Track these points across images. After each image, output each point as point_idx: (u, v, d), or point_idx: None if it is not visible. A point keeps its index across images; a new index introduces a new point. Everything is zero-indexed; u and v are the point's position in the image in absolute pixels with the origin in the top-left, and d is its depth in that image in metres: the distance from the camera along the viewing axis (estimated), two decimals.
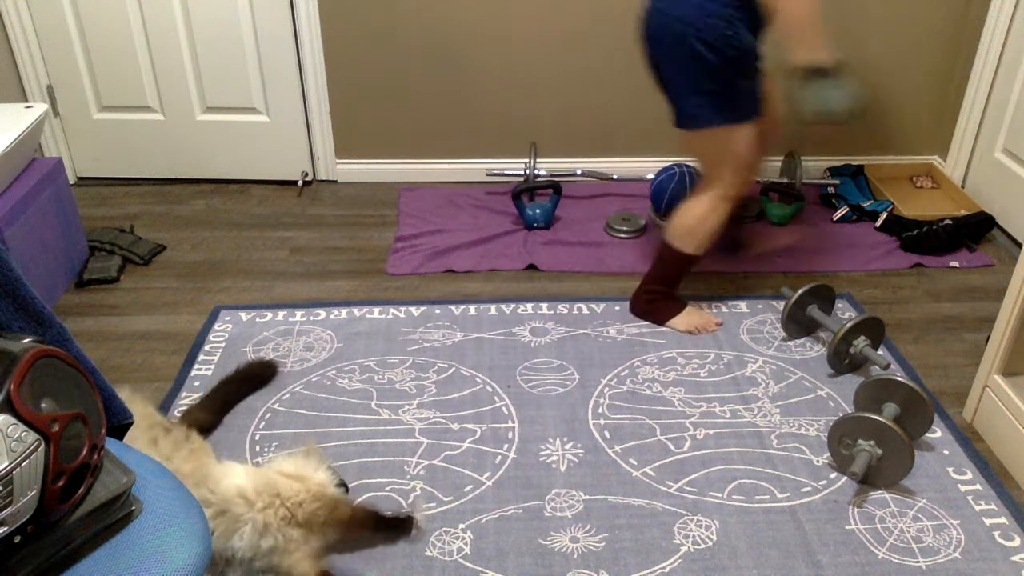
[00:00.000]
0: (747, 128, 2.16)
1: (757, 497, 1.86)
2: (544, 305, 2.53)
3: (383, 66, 3.10)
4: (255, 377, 2.18)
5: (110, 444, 1.21)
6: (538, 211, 2.92)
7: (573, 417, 2.09)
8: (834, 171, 3.23)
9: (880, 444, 1.84)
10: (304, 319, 2.46)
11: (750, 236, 2.79)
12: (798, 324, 2.38)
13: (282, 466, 1.70)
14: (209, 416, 2.02)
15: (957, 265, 2.76)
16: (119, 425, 1.34)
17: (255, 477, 1.64)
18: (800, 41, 1.98)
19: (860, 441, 1.86)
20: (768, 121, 2.29)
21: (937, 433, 2.05)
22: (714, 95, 2.09)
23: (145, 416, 1.74)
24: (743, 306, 2.53)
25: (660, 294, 2.41)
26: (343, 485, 1.79)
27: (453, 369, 2.25)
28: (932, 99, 3.21)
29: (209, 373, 2.23)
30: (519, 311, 2.50)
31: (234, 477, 1.63)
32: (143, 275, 2.70)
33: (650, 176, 3.08)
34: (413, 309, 2.50)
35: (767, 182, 3.05)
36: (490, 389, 2.18)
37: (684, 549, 1.73)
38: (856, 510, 1.83)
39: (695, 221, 2.27)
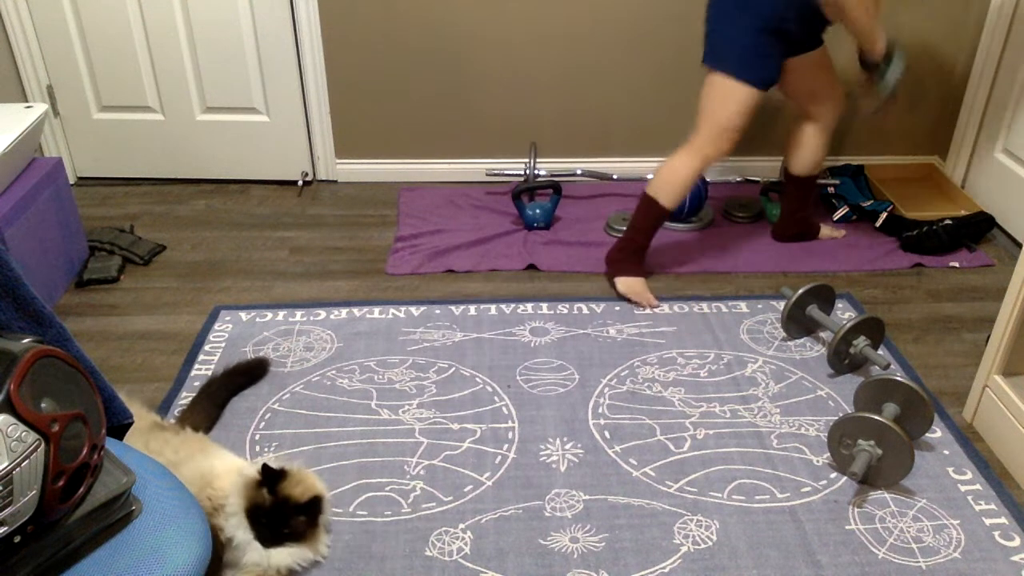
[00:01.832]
0: (752, 93, 2.34)
1: (757, 497, 1.86)
2: (544, 305, 2.53)
3: (383, 66, 3.10)
4: (242, 373, 2.18)
5: (110, 444, 1.21)
6: (538, 211, 2.92)
7: (573, 417, 2.09)
8: (834, 171, 3.23)
9: (880, 444, 1.84)
10: (304, 319, 2.46)
11: (811, 223, 2.88)
12: (798, 324, 2.38)
13: (230, 465, 1.70)
14: (199, 418, 2.02)
15: (957, 265, 2.76)
16: (119, 425, 1.34)
17: (222, 464, 1.68)
18: (870, 39, 2.34)
19: (860, 441, 1.86)
20: (827, 96, 2.58)
21: (937, 433, 2.05)
22: (744, 48, 2.31)
23: (141, 417, 1.76)
24: (743, 306, 2.53)
25: (632, 242, 2.55)
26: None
27: (453, 369, 2.25)
28: (932, 99, 3.21)
29: (209, 373, 2.22)
30: (519, 311, 2.50)
31: (214, 459, 1.68)
32: (143, 275, 2.70)
33: (650, 176, 3.08)
34: (413, 309, 2.50)
35: (767, 182, 3.05)
36: (490, 389, 2.18)
37: (684, 549, 1.73)
38: (856, 510, 1.83)
39: (669, 172, 2.46)
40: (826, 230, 2.91)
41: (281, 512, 1.59)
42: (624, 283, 2.54)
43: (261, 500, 1.59)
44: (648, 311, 2.49)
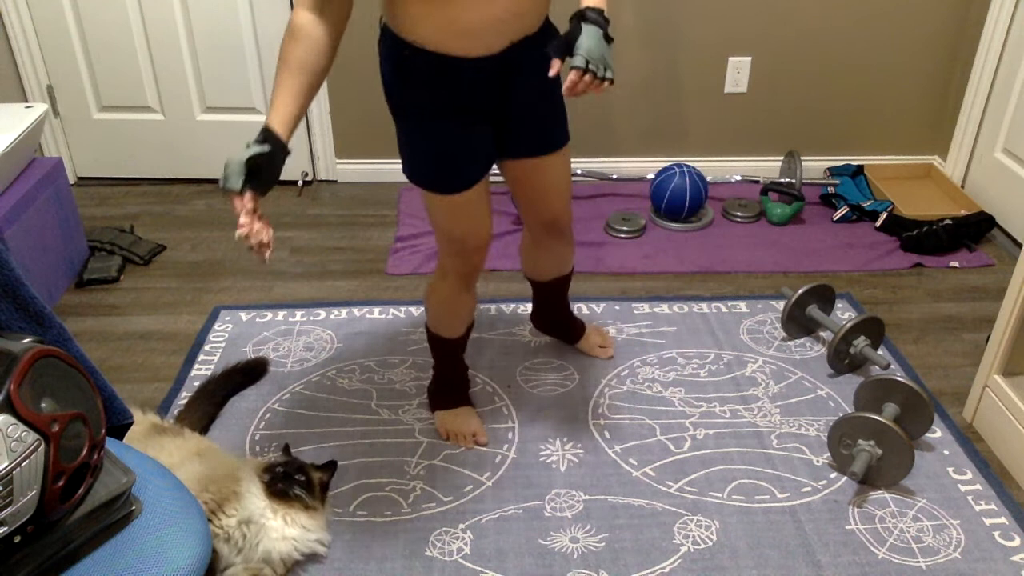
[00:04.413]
0: (439, 198, 1.70)
1: (757, 497, 1.86)
2: None
3: None
4: (240, 373, 2.19)
5: (110, 444, 1.21)
6: None
7: (573, 417, 2.09)
8: (834, 171, 3.23)
9: (880, 444, 1.84)
10: (304, 319, 2.46)
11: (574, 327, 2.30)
12: (798, 324, 2.38)
13: (228, 465, 1.71)
14: (197, 417, 2.02)
15: (957, 265, 2.75)
16: (119, 425, 1.34)
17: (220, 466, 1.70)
18: None
19: (860, 441, 1.86)
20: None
21: (937, 433, 2.05)
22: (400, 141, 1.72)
23: (138, 421, 1.78)
24: (743, 306, 2.53)
25: (433, 382, 2.09)
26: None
27: None
28: (932, 99, 3.21)
29: (209, 373, 2.22)
30: (519, 311, 2.50)
31: (211, 462, 1.70)
32: (143, 275, 2.70)
33: (650, 176, 3.08)
34: (413, 309, 2.50)
35: (767, 182, 3.05)
36: (490, 389, 2.18)
37: (684, 549, 1.73)
38: (856, 510, 1.83)
39: (427, 292, 1.94)
40: (594, 338, 2.30)
41: (299, 464, 1.70)
42: (439, 420, 2.05)
43: (278, 461, 1.70)
44: (646, 317, 2.48)
